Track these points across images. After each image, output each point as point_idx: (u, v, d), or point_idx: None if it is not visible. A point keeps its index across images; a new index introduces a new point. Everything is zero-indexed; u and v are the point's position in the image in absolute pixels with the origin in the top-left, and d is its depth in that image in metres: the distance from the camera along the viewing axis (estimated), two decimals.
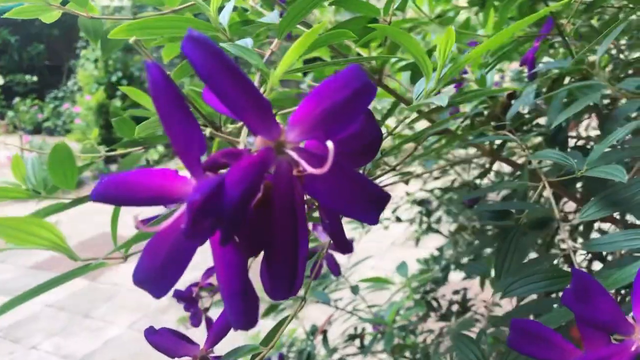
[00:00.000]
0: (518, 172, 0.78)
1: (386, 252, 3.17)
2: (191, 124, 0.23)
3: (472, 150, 0.96)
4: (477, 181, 0.94)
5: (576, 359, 0.38)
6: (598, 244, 0.46)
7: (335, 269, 0.83)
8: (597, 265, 0.77)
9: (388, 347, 1.15)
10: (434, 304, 1.43)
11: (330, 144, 0.22)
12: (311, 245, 0.86)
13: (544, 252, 0.64)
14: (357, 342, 1.40)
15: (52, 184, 0.61)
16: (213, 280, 0.85)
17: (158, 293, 0.27)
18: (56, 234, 0.29)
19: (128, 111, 0.76)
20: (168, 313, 2.56)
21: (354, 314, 1.38)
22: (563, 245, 0.81)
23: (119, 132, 0.65)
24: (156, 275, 0.26)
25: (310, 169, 0.22)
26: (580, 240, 0.86)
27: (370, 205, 0.26)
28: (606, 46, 0.55)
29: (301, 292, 0.57)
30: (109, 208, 0.69)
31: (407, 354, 1.36)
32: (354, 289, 1.38)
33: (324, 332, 1.33)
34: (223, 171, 0.25)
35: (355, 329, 1.43)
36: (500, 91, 0.48)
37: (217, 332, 0.47)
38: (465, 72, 0.85)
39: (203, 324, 0.82)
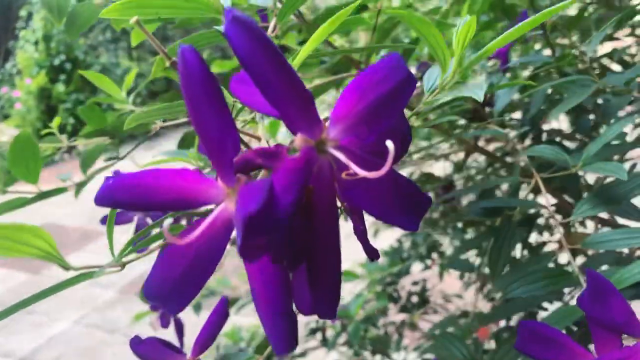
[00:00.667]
0: (497, 165, 0.78)
1: (344, 243, 3.17)
2: (227, 120, 0.19)
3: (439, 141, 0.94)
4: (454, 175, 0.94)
5: None
6: (597, 243, 0.46)
7: None
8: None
9: (356, 340, 1.14)
10: (395, 295, 1.43)
11: (390, 144, 0.19)
12: None
13: (535, 250, 0.63)
14: (319, 335, 1.38)
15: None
16: None
17: (175, 309, 0.23)
18: (49, 242, 0.25)
19: (90, 99, 0.71)
20: (116, 308, 2.47)
21: None
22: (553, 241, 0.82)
23: (87, 121, 0.60)
24: (173, 289, 0.23)
25: (362, 172, 0.20)
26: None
27: (413, 210, 0.24)
28: (597, 43, 0.55)
29: None
30: (53, 198, 0.64)
31: (368, 346, 1.36)
32: None
33: None
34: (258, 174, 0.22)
35: (317, 322, 1.42)
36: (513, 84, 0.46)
37: (204, 340, 0.44)
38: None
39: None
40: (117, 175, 0.23)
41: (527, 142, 0.74)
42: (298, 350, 1.34)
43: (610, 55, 0.75)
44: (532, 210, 0.60)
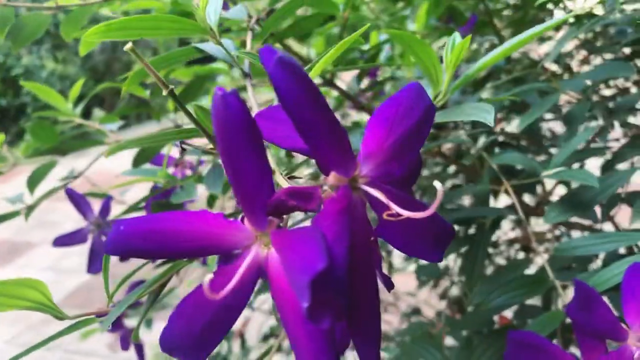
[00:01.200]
0: (453, 168, 0.79)
1: None
2: (264, 165, 0.18)
3: None
4: None
5: None
6: (570, 248, 0.47)
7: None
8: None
9: None
10: None
11: (439, 184, 0.18)
12: None
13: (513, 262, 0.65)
14: (272, 340, 1.37)
15: None
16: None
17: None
18: (45, 293, 0.23)
19: (36, 112, 0.67)
20: (51, 325, 2.35)
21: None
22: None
23: (36, 139, 0.56)
24: (193, 341, 0.21)
25: (406, 213, 0.19)
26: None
27: (439, 243, 0.23)
28: (558, 52, 0.56)
29: None
30: None
31: None
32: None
33: (242, 335, 1.28)
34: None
35: (271, 328, 1.40)
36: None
37: None
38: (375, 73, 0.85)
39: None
40: (128, 221, 0.21)
41: (480, 143, 0.75)
42: (254, 355, 1.32)
43: (557, 61, 0.78)
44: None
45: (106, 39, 0.28)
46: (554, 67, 0.84)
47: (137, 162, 0.66)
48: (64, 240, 0.64)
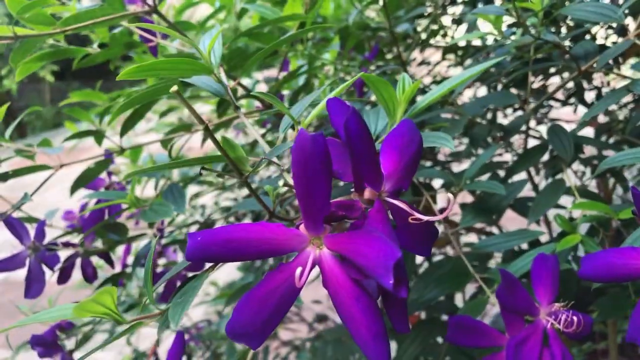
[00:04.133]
0: None
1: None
2: (330, 189, 0.24)
3: None
4: None
5: (506, 343, 0.47)
6: (485, 246, 0.57)
7: None
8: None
9: (232, 357, 1.16)
10: None
11: (451, 195, 0.26)
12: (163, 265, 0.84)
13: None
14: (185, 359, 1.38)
15: None
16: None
17: (256, 344, 0.27)
18: (114, 298, 0.27)
19: None
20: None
21: (185, 330, 1.36)
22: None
23: None
24: (257, 328, 0.26)
25: (425, 217, 0.26)
26: None
27: (429, 240, 0.31)
28: (465, 85, 0.67)
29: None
30: None
31: None
32: None
33: (155, 355, 1.28)
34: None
35: (185, 346, 1.40)
36: None
37: None
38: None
39: None
40: (203, 232, 0.26)
41: None
42: None
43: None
44: None
45: (135, 78, 0.32)
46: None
47: (77, 185, 0.67)
48: (3, 265, 0.63)
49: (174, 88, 0.29)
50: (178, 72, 0.35)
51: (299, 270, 0.24)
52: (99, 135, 0.62)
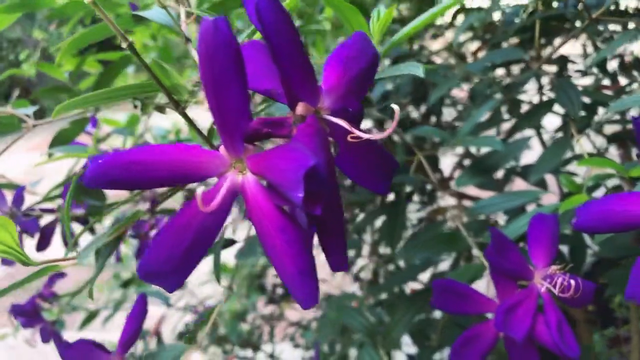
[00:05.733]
0: None
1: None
2: (246, 95, 0.20)
3: None
4: None
5: (496, 309, 0.43)
6: (481, 207, 0.52)
7: None
8: None
9: (233, 336, 1.14)
10: (262, 289, 1.46)
11: (396, 107, 0.21)
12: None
13: (430, 220, 0.70)
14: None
15: None
16: (56, 288, 0.75)
17: (173, 286, 0.23)
18: (14, 235, 0.23)
19: None
20: None
21: (188, 310, 1.33)
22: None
23: None
24: (172, 266, 0.23)
25: (365, 135, 0.22)
26: None
27: (385, 174, 0.27)
28: (458, 38, 0.62)
29: None
30: None
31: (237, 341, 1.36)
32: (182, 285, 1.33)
33: (158, 334, 1.26)
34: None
35: (186, 325, 1.39)
36: None
37: (128, 339, 0.42)
38: None
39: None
40: (106, 154, 0.22)
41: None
42: None
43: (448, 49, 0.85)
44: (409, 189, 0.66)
45: None
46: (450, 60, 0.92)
47: (52, 146, 0.64)
48: None
49: None
50: None
51: (199, 190, 0.19)
52: (72, 93, 0.59)
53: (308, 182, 0.17)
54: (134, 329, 0.43)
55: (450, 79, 0.58)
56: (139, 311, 0.44)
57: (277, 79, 0.23)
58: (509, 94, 0.60)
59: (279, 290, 1.56)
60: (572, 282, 0.41)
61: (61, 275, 0.73)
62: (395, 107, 0.21)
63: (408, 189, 0.69)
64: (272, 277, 1.57)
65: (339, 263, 0.23)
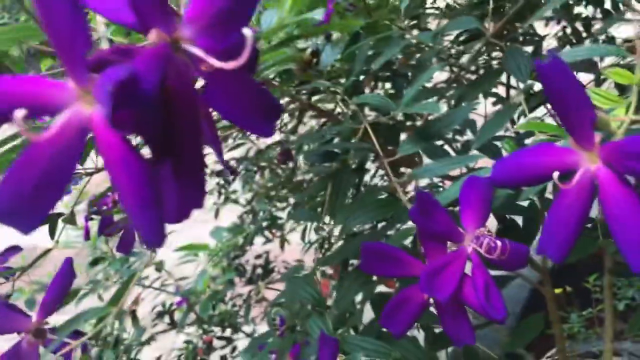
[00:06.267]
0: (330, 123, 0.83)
1: (184, 229, 3.09)
2: (80, 14, 0.19)
3: None
4: (291, 137, 0.97)
5: (423, 270, 0.42)
6: (420, 173, 0.51)
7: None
8: None
9: (205, 314, 1.14)
10: (240, 269, 1.46)
11: (248, 31, 0.21)
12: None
13: (370, 188, 0.69)
14: (167, 318, 1.36)
15: None
16: (11, 263, 0.75)
17: (29, 227, 0.22)
18: None
19: None
20: None
21: (163, 290, 1.33)
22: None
23: None
24: (27, 204, 0.22)
25: (218, 63, 0.21)
26: None
27: (266, 115, 0.26)
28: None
29: None
30: None
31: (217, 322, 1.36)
32: (159, 266, 1.33)
33: (133, 312, 1.26)
34: None
35: (164, 305, 1.39)
36: None
37: (50, 303, 0.42)
38: None
39: None
40: None
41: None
42: (146, 335, 1.29)
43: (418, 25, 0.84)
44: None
45: None
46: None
47: None
48: None
49: None
50: None
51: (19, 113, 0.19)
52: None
53: (123, 97, 0.17)
54: (57, 294, 0.42)
55: (393, 47, 0.57)
56: (65, 276, 0.43)
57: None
58: (456, 63, 0.59)
59: (258, 271, 1.56)
60: (499, 242, 0.40)
61: (15, 249, 0.72)
62: (247, 31, 0.21)
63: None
64: (251, 258, 1.57)
65: (192, 199, 0.22)
